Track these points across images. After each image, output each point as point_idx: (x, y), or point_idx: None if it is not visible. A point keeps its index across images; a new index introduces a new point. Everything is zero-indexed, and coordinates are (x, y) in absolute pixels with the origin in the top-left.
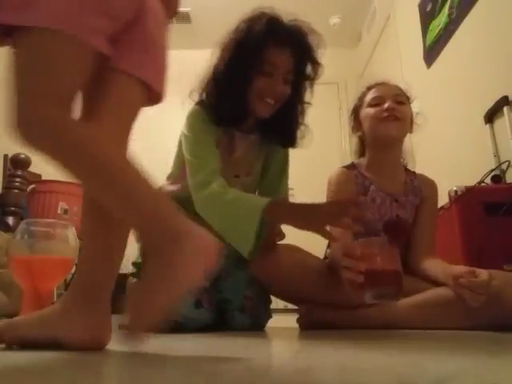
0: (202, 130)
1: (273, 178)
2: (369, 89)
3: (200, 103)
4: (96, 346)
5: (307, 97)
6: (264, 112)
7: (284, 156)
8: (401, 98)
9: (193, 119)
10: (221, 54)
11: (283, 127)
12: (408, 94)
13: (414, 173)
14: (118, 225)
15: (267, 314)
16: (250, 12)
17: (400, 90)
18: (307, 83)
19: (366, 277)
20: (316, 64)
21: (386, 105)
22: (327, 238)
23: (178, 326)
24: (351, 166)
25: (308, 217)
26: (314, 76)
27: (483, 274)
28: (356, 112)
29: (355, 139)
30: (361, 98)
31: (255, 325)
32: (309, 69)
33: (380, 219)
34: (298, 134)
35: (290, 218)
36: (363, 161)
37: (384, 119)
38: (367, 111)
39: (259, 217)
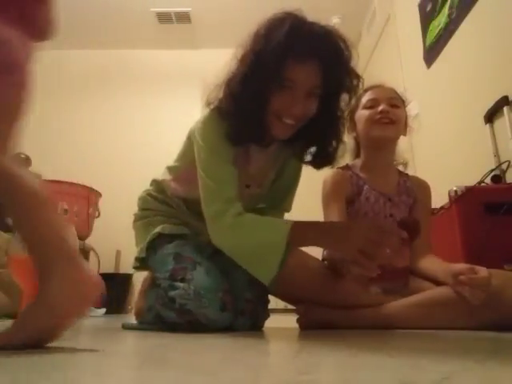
0: (218, 145)
1: (282, 189)
2: (365, 91)
3: (217, 110)
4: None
5: (344, 110)
6: (282, 133)
7: (297, 170)
8: (395, 102)
9: (210, 129)
10: (237, 64)
11: (314, 145)
12: (403, 98)
13: (406, 174)
14: None
15: (265, 314)
16: (271, 15)
17: (395, 93)
18: (343, 95)
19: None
20: (351, 73)
21: (380, 107)
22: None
23: (200, 328)
24: (345, 167)
25: (341, 239)
26: (352, 87)
27: (483, 271)
28: (352, 113)
29: (351, 140)
30: (356, 100)
31: (254, 325)
32: (344, 80)
33: (374, 218)
34: (334, 152)
35: (319, 241)
36: (358, 162)
37: (378, 121)
38: (362, 113)
39: (284, 243)
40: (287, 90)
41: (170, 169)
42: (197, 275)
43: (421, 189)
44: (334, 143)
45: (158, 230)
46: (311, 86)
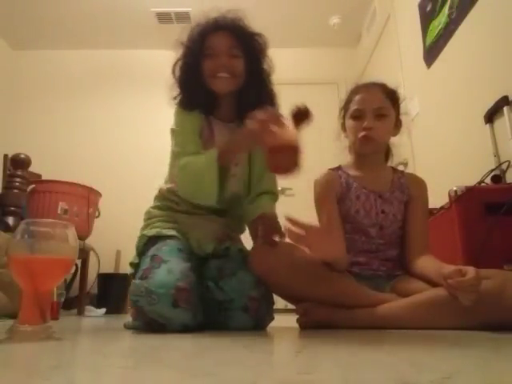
0: (184, 120)
1: (259, 168)
2: (355, 92)
3: (176, 98)
4: None
5: (266, 68)
6: (221, 86)
7: None
8: (382, 111)
9: (175, 114)
10: (179, 54)
11: (255, 106)
12: (397, 95)
13: (402, 172)
14: None
15: (270, 315)
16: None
17: (383, 98)
18: (259, 56)
19: (269, 151)
20: (257, 36)
21: (364, 123)
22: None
23: (160, 327)
24: (336, 168)
25: (242, 132)
26: (261, 46)
27: (470, 271)
28: (344, 114)
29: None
30: (347, 103)
31: (257, 326)
32: (251, 40)
33: (366, 215)
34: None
35: (234, 145)
36: (350, 162)
37: (360, 139)
38: (349, 123)
39: (216, 166)
40: (212, 55)
41: (165, 181)
42: (156, 273)
43: (416, 186)
44: (263, 103)
45: (144, 232)
46: (227, 47)
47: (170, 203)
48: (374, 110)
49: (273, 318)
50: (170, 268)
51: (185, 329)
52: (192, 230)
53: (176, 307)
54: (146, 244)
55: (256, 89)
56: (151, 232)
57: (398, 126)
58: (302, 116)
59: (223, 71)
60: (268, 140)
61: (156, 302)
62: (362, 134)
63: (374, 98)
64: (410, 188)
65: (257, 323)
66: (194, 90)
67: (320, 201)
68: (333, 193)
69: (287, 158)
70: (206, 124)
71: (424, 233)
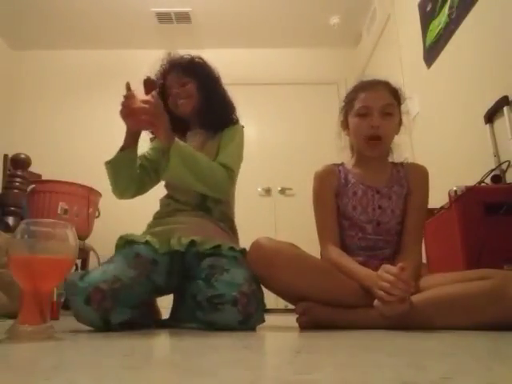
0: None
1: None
2: (359, 90)
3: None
4: None
5: (212, 86)
6: (184, 110)
7: (231, 133)
8: (389, 109)
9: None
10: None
11: (212, 117)
12: (400, 94)
13: (401, 164)
14: None
15: (259, 314)
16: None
17: (389, 97)
18: (201, 77)
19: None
20: (196, 60)
21: (372, 121)
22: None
23: (81, 321)
24: (337, 164)
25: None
26: (207, 73)
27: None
28: (346, 112)
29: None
30: (351, 100)
31: (245, 322)
32: (198, 71)
33: (363, 211)
34: (222, 114)
35: (128, 131)
36: (352, 159)
37: (367, 141)
38: (354, 121)
39: (117, 156)
40: (169, 90)
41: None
42: (95, 271)
43: (416, 176)
44: (220, 109)
45: (117, 241)
46: (177, 82)
47: (162, 208)
48: (381, 108)
49: (263, 320)
50: (107, 270)
51: (97, 327)
52: (175, 229)
53: (87, 305)
54: (123, 246)
55: (211, 101)
56: (122, 240)
57: (400, 124)
58: (149, 85)
59: (180, 98)
60: (125, 107)
61: (75, 294)
62: (370, 132)
63: (380, 95)
64: (410, 179)
65: (245, 319)
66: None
67: (317, 194)
68: (330, 187)
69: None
70: (181, 136)
71: (416, 226)
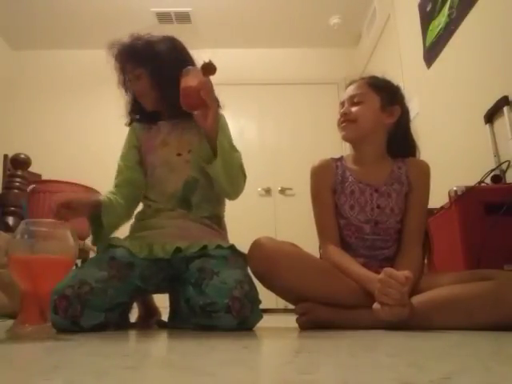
0: (127, 138)
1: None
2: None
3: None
4: None
5: (168, 73)
6: (148, 105)
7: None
8: (357, 99)
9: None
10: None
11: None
12: (380, 82)
13: (402, 160)
14: None
15: (256, 314)
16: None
17: (359, 87)
18: (155, 65)
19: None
20: (144, 42)
21: (341, 111)
22: None
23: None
24: (337, 159)
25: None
26: (157, 55)
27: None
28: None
29: None
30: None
31: (242, 324)
32: (145, 57)
33: (360, 211)
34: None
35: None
36: (350, 155)
37: (339, 125)
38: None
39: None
40: (126, 81)
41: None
42: (68, 275)
43: (416, 172)
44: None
45: (97, 245)
46: (132, 75)
47: (144, 208)
48: (350, 99)
49: (261, 317)
50: (76, 274)
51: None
52: (158, 234)
53: (56, 314)
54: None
55: (173, 89)
56: (104, 244)
57: (389, 112)
58: (209, 68)
59: (138, 96)
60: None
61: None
62: (341, 120)
63: (350, 89)
64: (410, 176)
65: (241, 322)
66: (138, 111)
67: (314, 192)
68: (326, 183)
69: (192, 96)
70: (156, 128)
71: (415, 229)
